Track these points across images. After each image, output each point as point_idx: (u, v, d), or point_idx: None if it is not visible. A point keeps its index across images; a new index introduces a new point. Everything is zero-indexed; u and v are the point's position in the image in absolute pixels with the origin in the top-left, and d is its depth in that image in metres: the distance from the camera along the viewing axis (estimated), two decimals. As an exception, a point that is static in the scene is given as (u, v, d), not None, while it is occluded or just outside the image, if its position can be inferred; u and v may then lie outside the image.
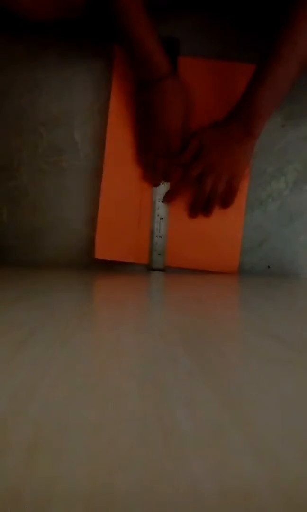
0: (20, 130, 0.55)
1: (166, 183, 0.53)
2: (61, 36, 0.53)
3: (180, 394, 0.11)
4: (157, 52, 0.45)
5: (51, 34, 0.53)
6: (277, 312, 0.26)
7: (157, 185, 0.53)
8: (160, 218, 0.53)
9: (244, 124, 0.46)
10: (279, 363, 0.14)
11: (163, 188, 0.53)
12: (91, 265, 0.55)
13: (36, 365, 0.13)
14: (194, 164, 0.49)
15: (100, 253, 0.53)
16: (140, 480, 0.07)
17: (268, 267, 0.55)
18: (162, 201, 0.53)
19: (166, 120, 0.48)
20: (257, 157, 0.54)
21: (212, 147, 0.48)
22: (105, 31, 0.47)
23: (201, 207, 0.52)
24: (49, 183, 0.55)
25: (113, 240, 0.53)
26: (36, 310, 0.22)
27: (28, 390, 0.11)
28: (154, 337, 0.17)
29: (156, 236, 0.53)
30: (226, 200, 0.52)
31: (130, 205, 0.53)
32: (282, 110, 0.55)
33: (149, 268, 0.54)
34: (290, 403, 0.11)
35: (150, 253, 0.53)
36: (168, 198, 0.53)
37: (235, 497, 0.07)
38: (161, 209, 0.53)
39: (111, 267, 0.55)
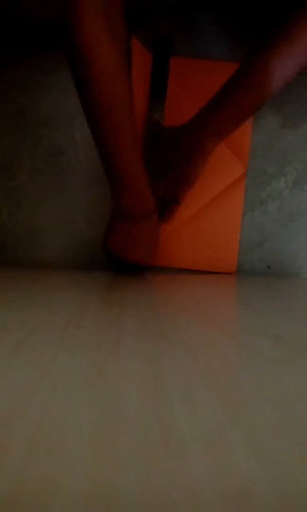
0: (20, 130, 0.55)
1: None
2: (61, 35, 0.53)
3: (180, 394, 0.11)
4: (146, 186, 0.44)
5: (51, 33, 0.53)
6: (277, 312, 0.26)
7: None
8: None
9: (199, 141, 0.46)
10: (279, 363, 0.14)
11: None
12: (91, 265, 0.55)
13: (36, 365, 0.13)
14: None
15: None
16: (140, 480, 0.07)
17: (268, 267, 0.55)
18: None
19: (137, 254, 0.47)
20: (257, 157, 0.54)
21: (165, 160, 0.48)
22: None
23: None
24: (49, 183, 0.55)
25: None
26: (36, 310, 0.22)
27: (28, 390, 0.11)
28: (154, 337, 0.17)
29: None
30: (166, 212, 0.51)
31: None
32: (282, 110, 0.55)
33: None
34: (290, 403, 0.11)
35: None
36: None
37: (235, 497, 0.07)
38: None
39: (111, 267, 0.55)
